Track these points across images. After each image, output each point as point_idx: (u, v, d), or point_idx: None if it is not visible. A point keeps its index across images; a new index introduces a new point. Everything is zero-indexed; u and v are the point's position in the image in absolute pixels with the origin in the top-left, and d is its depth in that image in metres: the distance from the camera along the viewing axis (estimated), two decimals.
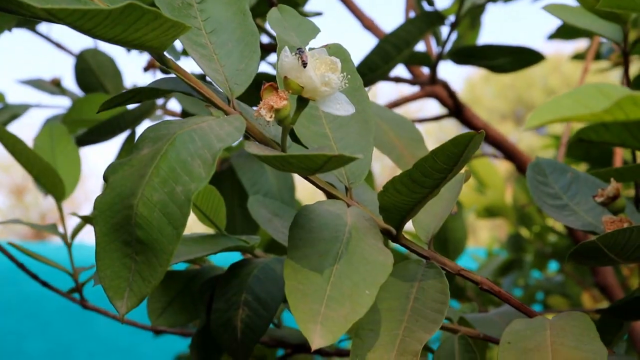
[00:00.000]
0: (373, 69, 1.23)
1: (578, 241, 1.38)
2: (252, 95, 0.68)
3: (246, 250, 0.85)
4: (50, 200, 1.10)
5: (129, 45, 0.58)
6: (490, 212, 2.17)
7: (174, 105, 1.80)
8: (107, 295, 0.56)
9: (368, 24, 1.45)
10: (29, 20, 1.33)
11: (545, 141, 2.29)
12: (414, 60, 1.39)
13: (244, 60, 0.67)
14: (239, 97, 0.66)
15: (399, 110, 1.32)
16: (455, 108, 1.43)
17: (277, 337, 0.93)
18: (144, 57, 1.42)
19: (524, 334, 0.66)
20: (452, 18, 1.30)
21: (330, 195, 0.69)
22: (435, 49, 1.41)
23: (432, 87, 1.41)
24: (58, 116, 1.41)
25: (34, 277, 1.06)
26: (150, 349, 3.03)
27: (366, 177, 0.71)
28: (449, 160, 0.60)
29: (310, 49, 0.64)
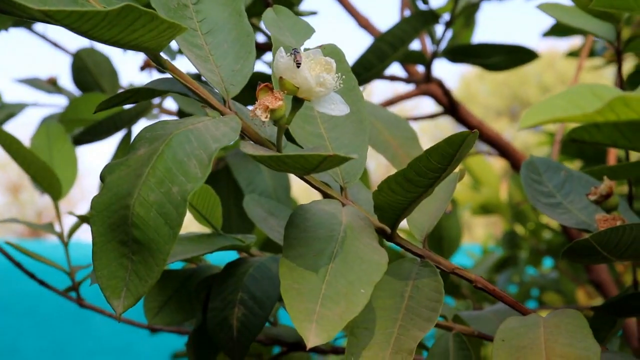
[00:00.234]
0: (368, 68, 1.23)
1: (572, 238, 1.39)
2: (248, 96, 0.69)
3: (242, 249, 0.85)
4: (46, 198, 1.10)
5: (125, 46, 0.59)
6: (485, 209, 2.17)
7: (170, 103, 1.80)
8: (104, 295, 0.57)
9: (363, 23, 1.45)
10: (25, 20, 1.33)
11: (541, 138, 2.30)
12: (409, 59, 1.40)
13: (239, 61, 0.67)
14: (235, 98, 0.67)
15: (394, 109, 1.33)
16: (450, 106, 1.43)
17: (273, 335, 0.94)
18: (140, 56, 1.43)
19: (518, 332, 0.66)
20: (446, 16, 1.30)
21: (325, 195, 0.69)
22: (430, 47, 1.42)
23: (427, 85, 1.42)
24: (55, 115, 1.42)
25: (31, 275, 1.06)
26: (146, 347, 3.04)
27: (361, 175, 0.72)
28: (443, 160, 0.60)
29: (306, 49, 0.64)
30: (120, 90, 0.80)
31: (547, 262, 2.24)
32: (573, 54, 1.83)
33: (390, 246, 1.16)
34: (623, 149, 0.90)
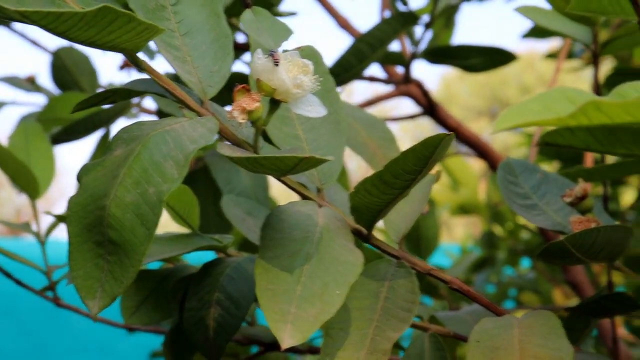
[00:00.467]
0: (347, 69, 1.24)
1: (549, 240, 1.39)
2: (226, 97, 0.69)
3: (219, 249, 0.85)
4: (25, 196, 1.10)
5: (102, 47, 0.59)
6: (463, 209, 2.18)
7: (150, 103, 1.80)
8: (79, 295, 0.57)
9: (343, 23, 1.45)
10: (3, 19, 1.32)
11: (520, 139, 2.31)
12: (388, 60, 1.40)
13: (217, 62, 0.67)
14: (213, 99, 0.67)
15: (374, 109, 1.33)
16: (429, 107, 1.44)
17: (250, 335, 0.94)
18: (120, 56, 1.42)
19: (492, 333, 0.67)
20: (426, 18, 1.31)
21: (302, 196, 0.69)
22: (409, 48, 1.42)
23: (406, 86, 1.42)
24: (33, 114, 1.41)
25: (7, 275, 1.06)
26: (125, 346, 3.02)
27: (340, 176, 0.72)
28: (419, 162, 0.61)
29: (284, 50, 0.64)
30: (99, 90, 0.80)
31: (525, 263, 2.26)
32: (552, 55, 1.84)
33: (369, 247, 1.17)
34: (596, 153, 0.90)
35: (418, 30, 1.38)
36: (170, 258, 0.90)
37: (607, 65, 1.91)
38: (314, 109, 0.63)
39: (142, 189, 0.56)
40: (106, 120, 1.22)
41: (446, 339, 0.79)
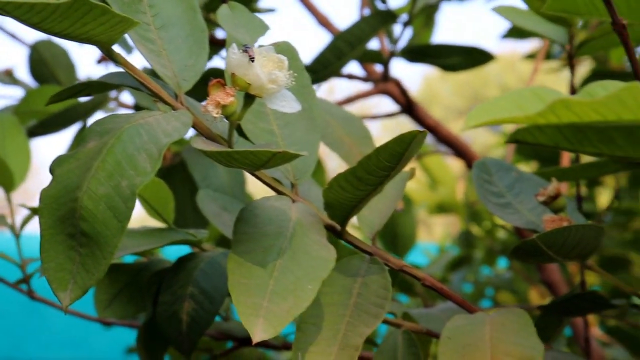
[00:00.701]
0: (326, 66, 1.24)
1: (524, 238, 1.40)
2: (202, 91, 0.69)
3: (194, 243, 0.85)
4: (1, 190, 1.09)
5: (76, 39, 0.59)
6: (441, 208, 2.19)
7: (127, 97, 1.80)
8: (51, 287, 0.57)
9: (323, 21, 1.45)
10: None
11: (499, 139, 2.32)
12: (367, 58, 1.41)
13: (192, 56, 0.68)
14: (189, 93, 0.67)
15: (355, 107, 1.33)
16: (408, 105, 1.44)
17: (225, 330, 0.94)
18: (98, 50, 1.42)
19: (464, 330, 0.67)
20: (405, 17, 1.31)
21: (276, 191, 0.70)
22: (388, 46, 1.42)
23: (385, 84, 1.42)
24: (10, 107, 1.40)
25: None
26: (102, 341, 3.02)
27: (317, 172, 0.72)
28: (393, 159, 0.61)
29: (260, 46, 0.64)
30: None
31: (502, 262, 2.27)
32: (532, 56, 1.84)
33: (344, 244, 1.17)
34: (565, 151, 0.91)
35: (397, 28, 1.38)
36: (145, 252, 0.90)
37: (586, 67, 1.92)
38: (289, 104, 0.64)
39: (115, 182, 0.56)
40: (83, 114, 1.22)
41: (419, 336, 0.80)
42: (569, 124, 0.46)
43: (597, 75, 1.47)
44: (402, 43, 1.37)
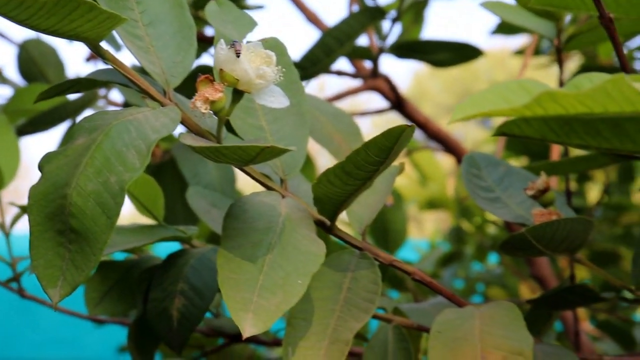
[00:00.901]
0: (315, 62, 1.24)
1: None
2: (190, 88, 0.69)
3: (183, 240, 0.85)
4: None
5: (64, 36, 0.59)
6: (432, 204, 2.19)
7: (116, 95, 1.79)
8: (40, 284, 0.57)
9: (311, 18, 1.46)
10: None
11: (490, 135, 2.32)
12: (356, 54, 1.41)
13: (181, 53, 0.68)
14: (177, 89, 0.67)
15: (345, 103, 1.33)
16: (397, 102, 1.44)
17: (216, 326, 0.94)
18: (87, 48, 1.42)
19: (454, 323, 0.68)
20: (394, 13, 1.31)
21: (265, 187, 0.70)
22: (377, 43, 1.43)
23: (374, 80, 1.42)
24: None
25: None
26: (93, 339, 3.01)
27: (307, 168, 0.72)
28: (381, 153, 0.61)
29: (248, 42, 0.65)
30: None
31: (493, 258, 2.27)
32: (522, 52, 1.85)
33: (334, 239, 1.17)
34: (553, 144, 0.91)
35: (386, 25, 1.38)
36: (135, 249, 0.90)
37: (575, 63, 1.93)
38: (277, 100, 0.64)
39: (104, 178, 0.56)
40: (72, 112, 1.21)
41: (410, 330, 0.80)
42: (555, 116, 0.46)
43: (586, 70, 1.47)
44: (391, 39, 1.37)
